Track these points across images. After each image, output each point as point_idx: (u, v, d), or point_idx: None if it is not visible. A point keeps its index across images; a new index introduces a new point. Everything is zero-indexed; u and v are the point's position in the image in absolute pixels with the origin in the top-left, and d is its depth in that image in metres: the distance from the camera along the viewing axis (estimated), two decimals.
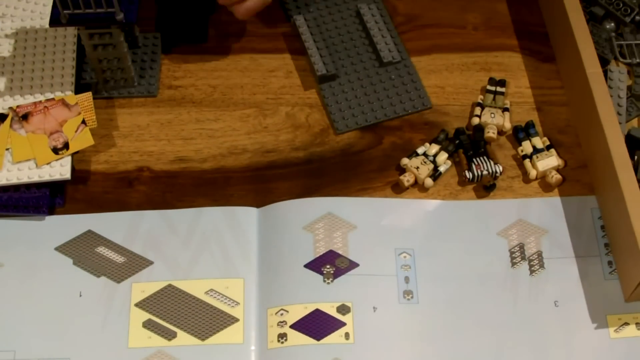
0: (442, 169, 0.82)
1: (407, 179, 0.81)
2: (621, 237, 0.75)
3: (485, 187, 0.81)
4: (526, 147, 0.83)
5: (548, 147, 0.83)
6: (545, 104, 0.88)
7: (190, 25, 0.92)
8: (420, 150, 0.82)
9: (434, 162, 0.82)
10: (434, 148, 0.82)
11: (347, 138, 0.86)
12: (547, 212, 0.80)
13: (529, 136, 0.84)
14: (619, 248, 0.76)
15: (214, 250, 0.78)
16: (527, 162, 0.83)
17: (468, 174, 0.81)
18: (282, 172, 0.84)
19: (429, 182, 0.81)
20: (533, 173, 0.82)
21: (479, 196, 0.81)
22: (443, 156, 0.82)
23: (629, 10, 0.89)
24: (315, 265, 0.76)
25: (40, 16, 0.89)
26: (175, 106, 0.88)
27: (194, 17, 0.93)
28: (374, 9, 0.92)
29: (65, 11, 0.78)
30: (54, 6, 0.78)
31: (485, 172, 0.81)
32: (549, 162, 0.82)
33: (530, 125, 0.84)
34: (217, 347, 0.74)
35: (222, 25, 0.93)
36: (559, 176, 0.81)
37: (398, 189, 0.82)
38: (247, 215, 0.80)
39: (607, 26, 0.89)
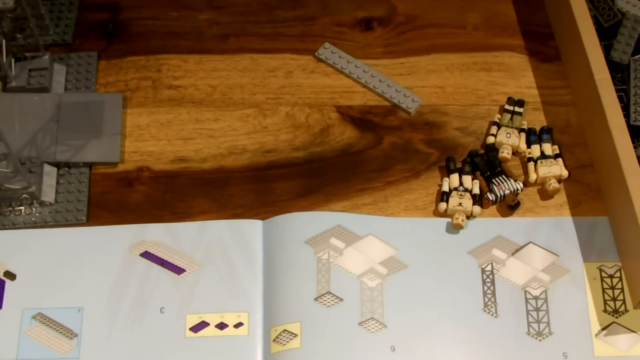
0: (477, 190, 0.81)
1: (460, 219, 0.79)
2: (629, 241, 0.75)
3: (510, 207, 0.80)
4: (534, 150, 0.83)
5: (556, 156, 0.83)
6: (546, 104, 0.88)
7: None
8: (445, 188, 0.81)
9: (466, 190, 0.80)
10: (455, 179, 0.81)
11: (347, 138, 0.86)
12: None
13: (540, 141, 0.84)
14: (627, 252, 0.76)
15: (220, 264, 0.78)
16: (530, 164, 0.82)
17: (491, 196, 0.80)
18: (282, 172, 0.84)
19: (477, 209, 0.80)
20: (533, 177, 0.82)
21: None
22: (468, 180, 0.81)
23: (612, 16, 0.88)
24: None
25: None
26: (175, 106, 0.88)
27: None
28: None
29: None
30: None
31: (507, 192, 0.80)
32: (552, 170, 0.81)
33: (544, 130, 0.84)
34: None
35: (222, 25, 0.93)
36: (556, 185, 0.81)
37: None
38: (252, 228, 0.79)
39: None
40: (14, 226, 0.79)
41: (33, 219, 0.80)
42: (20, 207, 0.80)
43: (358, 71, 0.89)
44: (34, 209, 0.80)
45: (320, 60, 0.91)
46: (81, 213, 0.81)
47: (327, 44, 0.91)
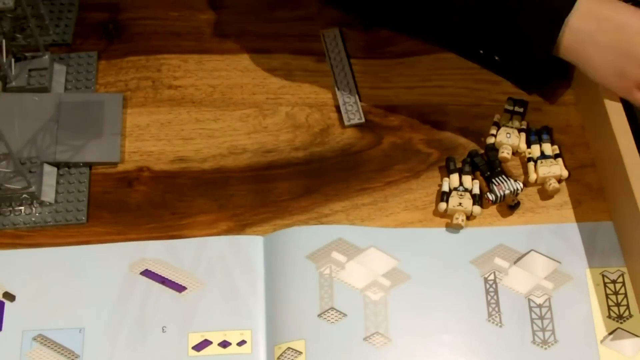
0: (477, 190, 0.81)
1: (460, 219, 0.79)
2: (634, 244, 0.75)
3: (510, 207, 0.80)
4: (534, 150, 0.83)
5: (556, 156, 0.83)
6: (546, 104, 0.88)
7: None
8: (445, 188, 0.81)
9: (466, 190, 0.80)
10: (455, 179, 0.81)
11: (347, 138, 0.86)
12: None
13: (540, 141, 0.84)
14: (632, 255, 0.76)
15: (221, 281, 0.77)
16: (530, 164, 0.82)
17: (491, 196, 0.80)
18: (282, 172, 0.84)
19: (477, 209, 0.80)
20: (533, 177, 0.82)
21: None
22: (468, 180, 0.81)
23: None
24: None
25: None
26: (175, 106, 0.88)
27: None
28: None
29: None
30: None
31: (507, 192, 0.80)
32: (552, 170, 0.81)
33: (544, 130, 0.84)
34: None
35: (222, 25, 0.93)
36: (556, 185, 0.81)
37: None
38: (253, 245, 0.79)
39: None
40: (14, 226, 0.79)
41: (33, 219, 0.80)
42: (20, 207, 0.80)
43: (339, 66, 0.90)
44: (34, 209, 0.80)
45: (322, 39, 0.91)
46: (81, 213, 0.81)
47: (336, 31, 0.92)
